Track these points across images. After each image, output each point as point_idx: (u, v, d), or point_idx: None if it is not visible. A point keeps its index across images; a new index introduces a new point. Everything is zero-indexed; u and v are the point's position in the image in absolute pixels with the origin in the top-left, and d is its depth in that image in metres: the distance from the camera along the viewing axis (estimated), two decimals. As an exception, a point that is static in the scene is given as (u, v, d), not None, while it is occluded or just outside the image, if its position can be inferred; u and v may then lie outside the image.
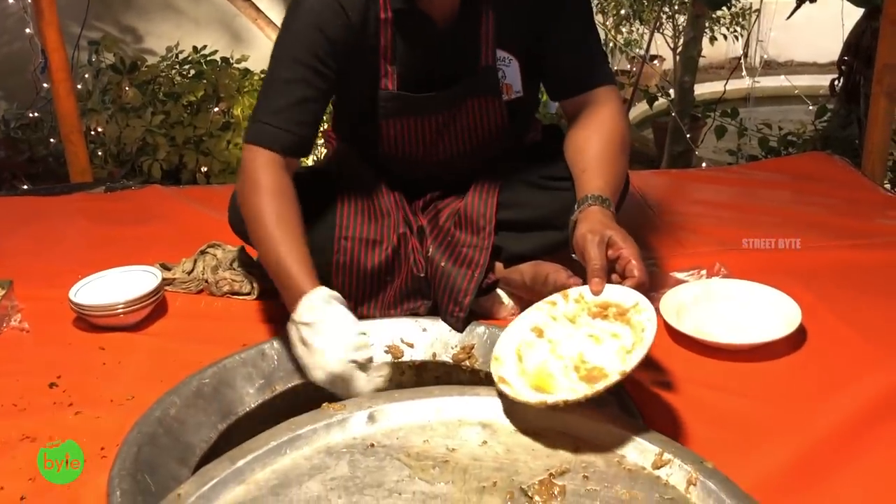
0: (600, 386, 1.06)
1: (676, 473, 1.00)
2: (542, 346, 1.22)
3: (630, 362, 1.09)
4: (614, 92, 1.59)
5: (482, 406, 1.14)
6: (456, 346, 1.50)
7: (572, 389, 1.11)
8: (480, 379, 1.45)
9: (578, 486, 1.00)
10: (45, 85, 3.12)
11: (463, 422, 1.13)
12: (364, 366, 1.28)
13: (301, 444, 1.08)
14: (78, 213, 2.27)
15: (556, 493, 0.99)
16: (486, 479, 1.02)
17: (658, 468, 1.02)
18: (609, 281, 1.25)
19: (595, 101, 1.56)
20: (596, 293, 1.23)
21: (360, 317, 1.56)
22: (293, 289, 1.34)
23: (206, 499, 0.99)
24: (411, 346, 1.51)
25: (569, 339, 1.22)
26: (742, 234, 1.97)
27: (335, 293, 1.34)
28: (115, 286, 1.68)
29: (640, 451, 1.04)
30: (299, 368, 1.39)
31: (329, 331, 1.29)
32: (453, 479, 1.02)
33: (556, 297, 1.26)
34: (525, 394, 1.10)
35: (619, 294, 1.21)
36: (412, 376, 1.50)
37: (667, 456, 1.02)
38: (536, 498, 0.99)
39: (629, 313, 1.18)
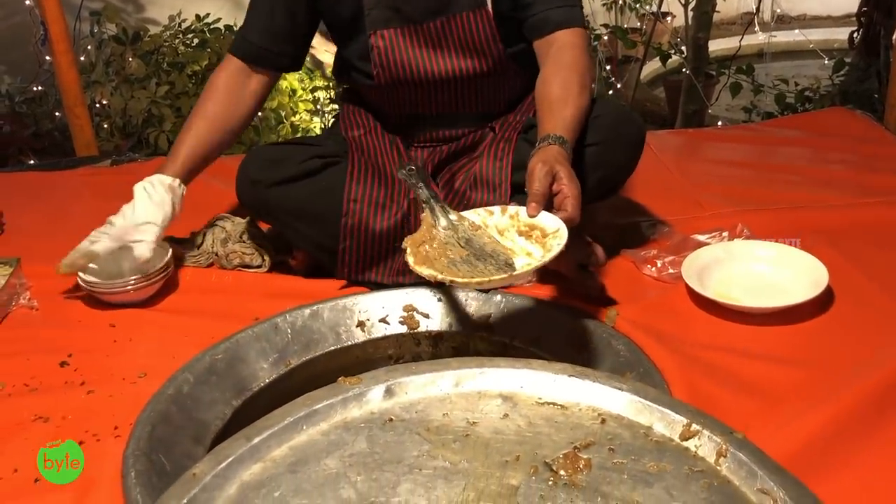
0: (482, 278, 1.19)
1: (706, 445, 0.97)
2: None
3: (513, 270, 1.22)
4: (580, 35, 1.57)
5: (502, 378, 1.11)
6: (473, 315, 1.47)
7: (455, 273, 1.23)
8: (499, 349, 1.43)
9: (604, 459, 0.97)
10: (47, 58, 3.07)
11: (483, 394, 1.10)
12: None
13: (318, 420, 1.05)
14: (84, 188, 2.25)
15: (581, 466, 0.96)
16: (508, 453, 0.99)
17: (686, 439, 0.98)
18: (546, 209, 1.31)
19: (561, 44, 1.55)
20: (531, 216, 1.30)
21: (370, 283, 1.56)
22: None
23: (222, 477, 0.96)
24: (427, 316, 1.48)
25: None
26: (763, 194, 1.92)
27: (168, 181, 1.62)
28: (123, 262, 1.65)
29: (666, 423, 1.00)
30: (311, 343, 1.42)
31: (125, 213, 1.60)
32: (475, 454, 0.99)
33: (495, 208, 1.35)
34: (421, 270, 1.22)
35: (547, 221, 1.28)
36: (428, 347, 1.48)
37: (695, 427, 0.98)
38: (561, 472, 0.96)
39: (548, 238, 1.26)
